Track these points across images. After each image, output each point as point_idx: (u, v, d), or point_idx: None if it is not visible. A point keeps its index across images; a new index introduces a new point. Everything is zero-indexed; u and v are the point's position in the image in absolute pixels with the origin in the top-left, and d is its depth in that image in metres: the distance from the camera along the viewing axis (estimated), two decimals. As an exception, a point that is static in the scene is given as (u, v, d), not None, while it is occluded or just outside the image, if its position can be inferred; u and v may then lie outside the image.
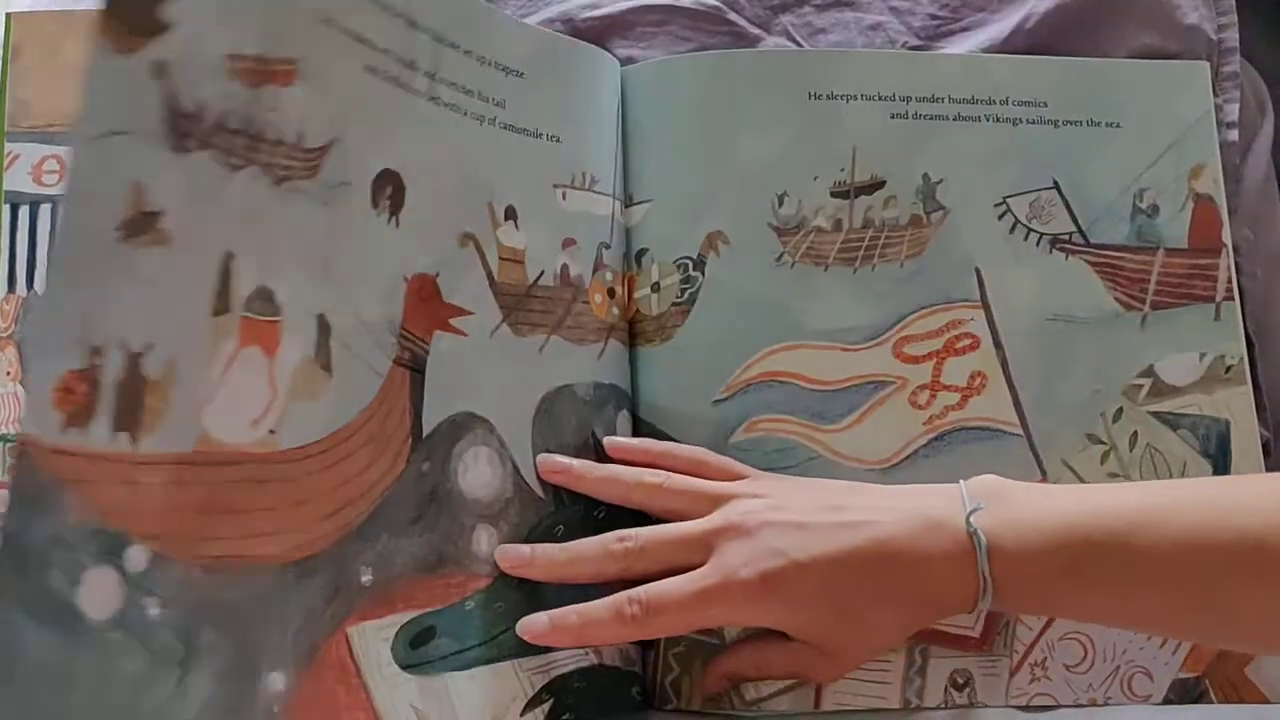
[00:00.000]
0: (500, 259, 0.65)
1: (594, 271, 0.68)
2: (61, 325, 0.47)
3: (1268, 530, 0.53)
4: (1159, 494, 0.58)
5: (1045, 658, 0.66)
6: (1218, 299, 0.71)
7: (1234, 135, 0.75)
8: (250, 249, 0.53)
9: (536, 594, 0.62)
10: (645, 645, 0.65)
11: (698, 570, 0.60)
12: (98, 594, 0.47)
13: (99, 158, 0.48)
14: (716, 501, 0.62)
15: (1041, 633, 0.66)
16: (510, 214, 0.65)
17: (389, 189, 0.59)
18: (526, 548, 0.62)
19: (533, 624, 0.61)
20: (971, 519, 0.58)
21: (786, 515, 0.60)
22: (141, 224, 0.49)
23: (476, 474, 0.62)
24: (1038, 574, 0.57)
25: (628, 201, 0.71)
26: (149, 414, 0.49)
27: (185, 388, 0.50)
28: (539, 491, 0.64)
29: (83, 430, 0.47)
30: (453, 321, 0.62)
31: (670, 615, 0.60)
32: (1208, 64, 0.75)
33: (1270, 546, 0.53)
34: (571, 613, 0.61)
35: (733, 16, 0.80)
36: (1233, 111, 0.76)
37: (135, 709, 0.48)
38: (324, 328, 0.56)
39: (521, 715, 0.61)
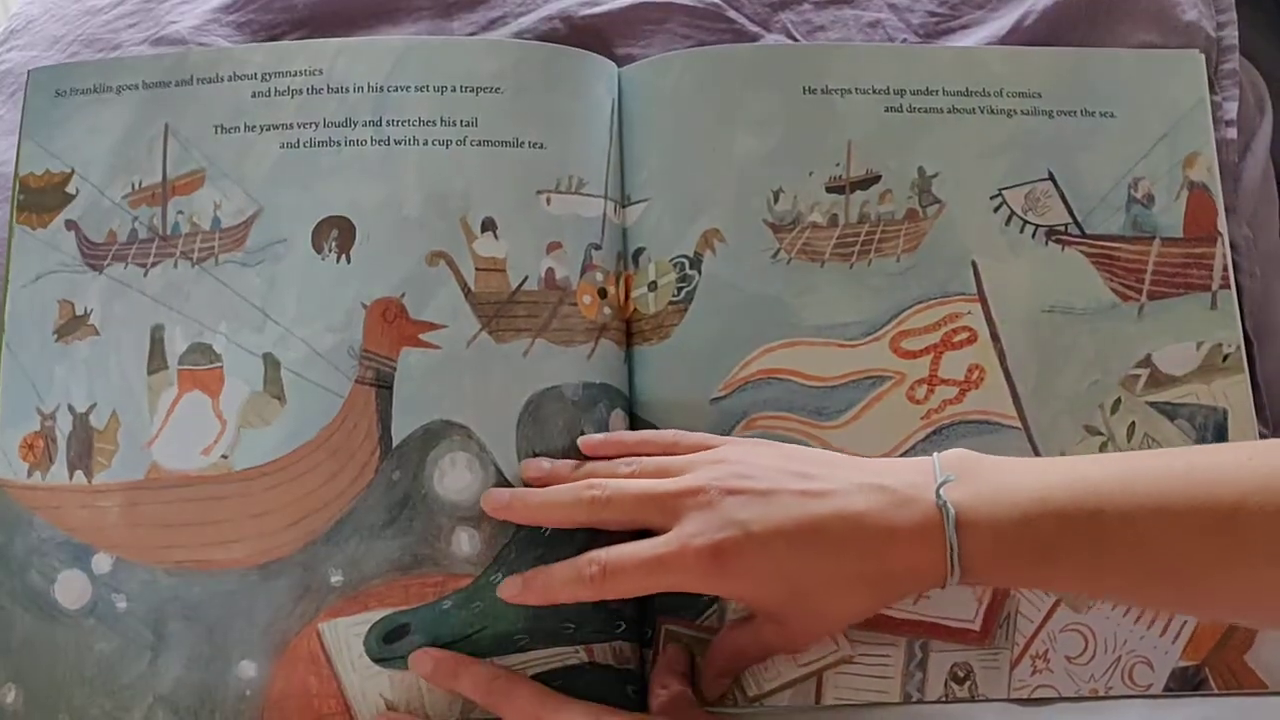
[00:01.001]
0: (477, 270, 0.67)
1: (582, 273, 0.69)
2: (18, 401, 0.68)
3: (1243, 499, 0.52)
4: (1137, 463, 0.57)
5: (1046, 649, 0.66)
6: (1214, 288, 0.70)
7: (1233, 133, 0.75)
8: (177, 319, 0.68)
9: None
10: (644, 644, 0.66)
11: (659, 537, 0.60)
12: (70, 590, 0.65)
13: (31, 295, 0.69)
14: (683, 471, 0.62)
15: (1042, 624, 0.66)
16: (488, 225, 0.68)
17: (333, 233, 0.67)
18: (506, 492, 0.64)
19: (509, 585, 0.63)
20: (941, 491, 0.57)
21: (751, 483, 0.59)
22: (73, 325, 0.68)
23: (454, 478, 0.65)
24: (1007, 549, 0.56)
25: (625, 201, 0.71)
26: (100, 454, 0.66)
27: (130, 431, 0.67)
28: None
29: (45, 473, 0.67)
30: (423, 336, 0.66)
31: (627, 578, 0.60)
32: (1201, 53, 0.75)
33: (1244, 515, 0.52)
34: (540, 573, 0.62)
35: (732, 14, 0.80)
36: (1232, 109, 0.76)
37: (112, 681, 0.63)
38: (272, 364, 0.66)
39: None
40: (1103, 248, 0.70)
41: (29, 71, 0.74)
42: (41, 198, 0.71)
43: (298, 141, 0.70)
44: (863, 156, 0.71)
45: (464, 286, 0.67)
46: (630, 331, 0.70)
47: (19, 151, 0.72)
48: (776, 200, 0.71)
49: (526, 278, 0.67)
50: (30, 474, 0.67)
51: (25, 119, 0.72)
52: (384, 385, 0.65)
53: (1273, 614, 0.56)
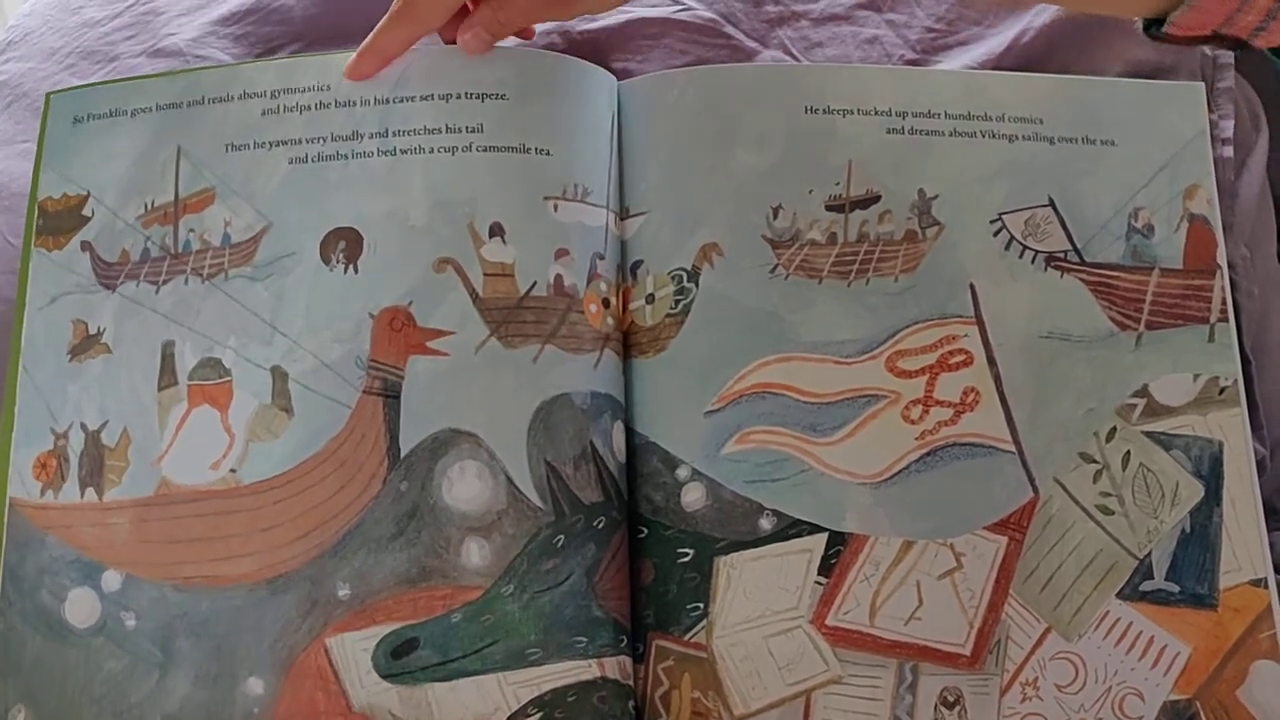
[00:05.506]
0: (485, 275, 0.66)
1: (588, 282, 0.68)
2: (32, 421, 0.68)
3: None
4: None
5: (1036, 677, 0.65)
6: (1212, 320, 0.70)
7: (1229, 151, 0.75)
8: (187, 335, 0.68)
9: (529, 608, 0.63)
10: (636, 659, 0.65)
11: None
12: (80, 608, 0.64)
13: (47, 316, 0.69)
14: None
15: (1032, 651, 0.66)
16: (496, 230, 0.67)
17: (341, 244, 0.67)
18: None
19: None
20: None
21: None
22: (86, 344, 0.68)
23: (463, 488, 0.64)
24: None
25: (623, 214, 0.71)
26: (111, 472, 0.66)
27: (141, 448, 0.66)
28: (537, 501, 0.64)
29: (57, 492, 0.66)
30: (431, 344, 0.65)
31: None
32: (1203, 84, 0.75)
33: None
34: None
35: (730, 30, 0.80)
36: (1228, 128, 0.76)
37: (120, 701, 0.63)
38: (280, 376, 0.66)
39: None
40: (1102, 276, 0.70)
41: (48, 95, 0.74)
42: (59, 221, 0.71)
43: (305, 156, 0.70)
44: (863, 176, 0.71)
45: (472, 292, 0.66)
46: (626, 343, 0.69)
47: (37, 177, 0.72)
48: (776, 216, 0.70)
49: (535, 283, 0.66)
50: (43, 493, 0.67)
51: (45, 147, 0.73)
52: (392, 395, 0.65)
53: None
